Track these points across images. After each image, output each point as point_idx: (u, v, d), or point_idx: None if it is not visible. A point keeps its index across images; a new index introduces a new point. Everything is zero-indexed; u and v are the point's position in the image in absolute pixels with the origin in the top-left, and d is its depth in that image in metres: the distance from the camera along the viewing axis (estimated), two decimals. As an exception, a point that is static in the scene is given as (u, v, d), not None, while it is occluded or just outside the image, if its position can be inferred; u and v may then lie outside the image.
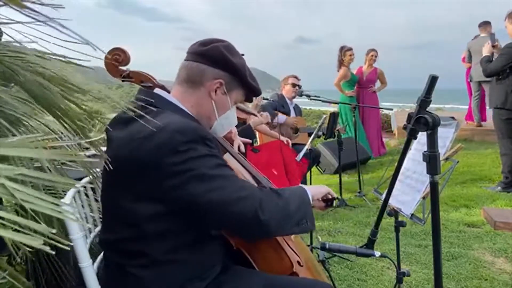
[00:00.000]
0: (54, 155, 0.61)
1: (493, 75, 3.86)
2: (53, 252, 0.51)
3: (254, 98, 1.26)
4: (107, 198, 1.06)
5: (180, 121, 0.97)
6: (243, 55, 1.15)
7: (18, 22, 0.75)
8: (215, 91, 1.09)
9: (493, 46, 3.95)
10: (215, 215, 0.95)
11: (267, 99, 3.65)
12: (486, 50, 3.96)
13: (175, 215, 0.97)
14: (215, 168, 0.95)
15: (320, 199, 1.23)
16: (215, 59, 1.08)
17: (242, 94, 1.16)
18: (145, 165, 0.92)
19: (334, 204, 1.30)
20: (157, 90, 1.11)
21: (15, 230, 0.49)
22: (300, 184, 1.28)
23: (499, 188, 3.89)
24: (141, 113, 0.92)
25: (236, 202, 0.93)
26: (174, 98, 1.09)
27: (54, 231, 0.50)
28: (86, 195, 1.26)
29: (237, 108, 1.75)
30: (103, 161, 0.94)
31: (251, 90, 1.17)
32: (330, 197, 1.25)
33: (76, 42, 0.71)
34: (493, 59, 3.88)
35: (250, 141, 2.05)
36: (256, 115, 2.91)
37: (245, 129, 2.83)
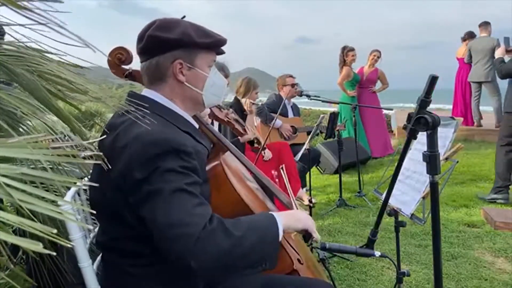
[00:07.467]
0: (54, 157, 0.61)
1: (510, 76, 3.45)
2: (55, 253, 0.51)
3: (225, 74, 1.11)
4: (100, 200, 1.04)
5: (155, 131, 0.93)
6: (183, 17, 1.08)
7: (17, 24, 0.75)
8: (181, 73, 1.05)
9: (508, 51, 3.52)
10: (156, 237, 0.89)
11: (257, 104, 3.59)
12: (499, 52, 3.56)
13: None
14: (171, 193, 0.88)
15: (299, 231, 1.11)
16: (157, 47, 1.03)
17: (207, 54, 1.09)
18: (120, 175, 0.92)
19: (310, 243, 1.12)
20: (145, 92, 1.09)
21: (16, 229, 0.49)
22: (274, 213, 1.04)
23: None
24: (132, 117, 0.91)
25: (170, 239, 0.85)
26: (163, 97, 1.07)
27: (55, 231, 0.49)
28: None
29: (235, 120, 1.72)
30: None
31: (211, 46, 1.09)
32: (314, 235, 1.11)
33: (76, 45, 0.71)
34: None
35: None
36: (246, 133, 2.84)
37: (234, 143, 2.73)
